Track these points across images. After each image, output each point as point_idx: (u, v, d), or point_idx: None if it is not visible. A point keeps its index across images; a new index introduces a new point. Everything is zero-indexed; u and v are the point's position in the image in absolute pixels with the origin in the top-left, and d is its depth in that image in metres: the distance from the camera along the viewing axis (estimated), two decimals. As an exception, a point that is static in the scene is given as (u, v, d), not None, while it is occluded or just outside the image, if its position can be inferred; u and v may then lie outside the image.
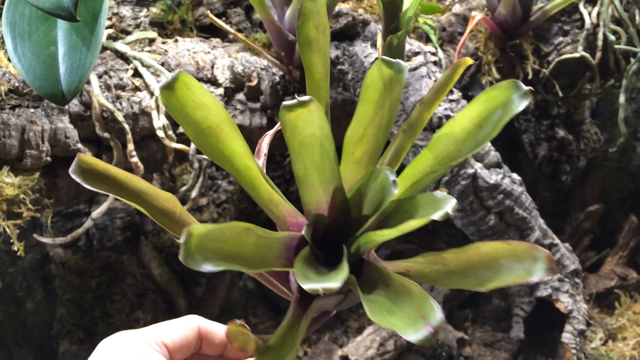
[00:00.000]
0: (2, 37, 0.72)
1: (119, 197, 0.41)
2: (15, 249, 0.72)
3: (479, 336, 1.05)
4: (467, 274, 0.40)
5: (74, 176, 0.41)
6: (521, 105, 0.40)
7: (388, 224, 0.40)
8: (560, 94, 0.98)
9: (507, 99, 0.41)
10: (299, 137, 0.40)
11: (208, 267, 0.35)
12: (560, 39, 0.96)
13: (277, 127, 0.48)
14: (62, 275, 1.04)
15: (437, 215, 0.35)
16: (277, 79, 0.86)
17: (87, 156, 0.41)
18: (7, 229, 0.70)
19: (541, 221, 0.89)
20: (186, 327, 0.48)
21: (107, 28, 0.83)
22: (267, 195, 0.44)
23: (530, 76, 0.95)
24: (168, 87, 0.41)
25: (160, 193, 0.43)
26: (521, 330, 0.96)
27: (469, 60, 0.46)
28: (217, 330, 0.49)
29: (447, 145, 0.42)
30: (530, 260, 0.38)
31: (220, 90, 0.83)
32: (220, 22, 0.82)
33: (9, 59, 0.70)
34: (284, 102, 0.39)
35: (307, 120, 0.40)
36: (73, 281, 1.02)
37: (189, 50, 0.83)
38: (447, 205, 0.35)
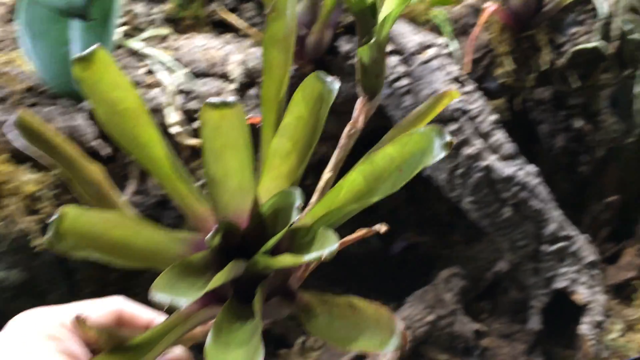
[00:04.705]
0: (19, 37, 0.74)
1: (51, 159, 0.40)
2: (34, 244, 0.74)
3: (496, 328, 1.05)
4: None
5: (12, 129, 0.39)
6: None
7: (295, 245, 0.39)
8: (576, 85, 0.97)
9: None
10: (222, 138, 0.39)
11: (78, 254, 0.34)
12: (575, 29, 0.94)
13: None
14: (83, 269, 1.06)
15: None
16: (292, 71, 0.87)
17: (28, 112, 0.40)
18: (28, 225, 0.72)
19: (558, 213, 0.89)
20: (106, 308, 0.45)
21: (121, 25, 0.84)
22: (185, 191, 0.42)
23: (545, 67, 0.94)
24: (83, 59, 0.39)
25: (91, 163, 0.42)
26: (538, 322, 0.95)
27: (456, 94, 0.46)
28: (142, 314, 0.47)
29: None
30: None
31: (233, 86, 0.83)
32: (232, 18, 0.83)
33: (25, 58, 0.72)
34: (209, 100, 0.39)
35: (232, 123, 0.39)
36: (94, 274, 1.04)
37: (201, 46, 0.84)
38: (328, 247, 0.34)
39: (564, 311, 0.95)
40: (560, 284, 0.91)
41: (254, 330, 0.35)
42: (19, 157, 0.72)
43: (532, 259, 0.91)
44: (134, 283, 1.08)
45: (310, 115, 0.42)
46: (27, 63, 0.72)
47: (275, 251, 0.39)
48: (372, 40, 0.43)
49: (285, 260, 0.36)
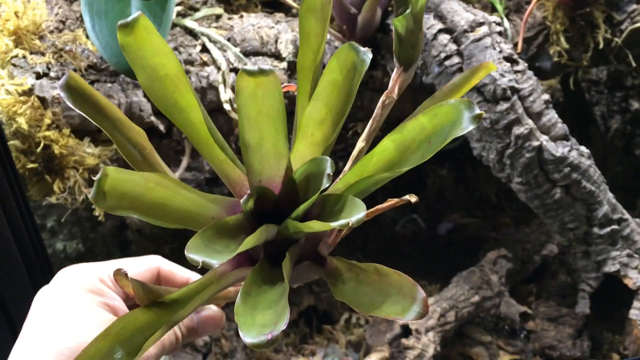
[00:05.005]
0: (81, 16, 0.77)
1: (95, 122, 0.41)
2: (96, 214, 0.78)
3: (542, 311, 1.04)
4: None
5: (61, 92, 0.40)
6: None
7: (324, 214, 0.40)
8: (634, 64, 0.94)
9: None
10: (257, 105, 0.39)
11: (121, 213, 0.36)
12: (634, 6, 0.91)
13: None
14: (138, 241, 1.11)
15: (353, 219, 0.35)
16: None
17: (77, 75, 0.41)
18: (89, 196, 0.76)
19: (610, 195, 0.87)
20: (144, 266, 0.47)
21: (176, 5, 0.86)
22: (222, 155, 0.42)
23: (601, 45, 0.92)
24: (127, 26, 0.40)
25: (134, 126, 0.43)
26: (587, 306, 0.94)
27: (493, 67, 0.45)
28: (179, 273, 0.48)
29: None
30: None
31: (284, 65, 0.85)
32: (284, -3, 0.84)
33: (87, 36, 0.75)
34: (245, 67, 0.39)
35: (267, 90, 0.39)
36: (148, 247, 1.09)
37: (253, 25, 0.85)
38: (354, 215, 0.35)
39: (613, 296, 0.94)
40: (611, 267, 0.89)
41: (282, 292, 0.36)
42: (79, 132, 0.76)
43: (583, 242, 0.89)
44: (185, 256, 1.12)
45: (344, 83, 0.42)
46: (90, 41, 0.75)
47: (306, 217, 0.40)
48: (408, 11, 0.43)
49: (314, 225, 0.37)
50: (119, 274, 0.40)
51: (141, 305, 0.39)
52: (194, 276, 0.49)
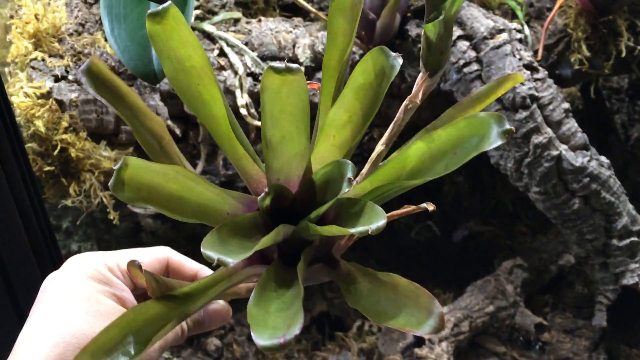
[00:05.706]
0: (100, 19, 0.77)
1: (115, 109, 0.41)
2: (111, 217, 0.78)
3: (558, 322, 1.03)
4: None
5: (83, 77, 0.40)
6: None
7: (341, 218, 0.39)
8: (657, 73, 0.92)
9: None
10: (281, 103, 0.39)
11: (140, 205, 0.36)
12: (659, 14, 0.90)
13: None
14: (152, 243, 1.10)
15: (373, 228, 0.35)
16: (357, 57, 0.87)
17: (99, 60, 0.41)
18: (104, 199, 0.76)
19: (630, 206, 0.86)
20: (153, 257, 0.46)
21: (195, 9, 0.86)
22: (242, 151, 0.42)
23: (623, 53, 0.90)
24: (157, 15, 0.40)
25: (154, 115, 0.43)
26: (604, 319, 0.93)
27: (521, 78, 0.44)
28: (188, 264, 0.48)
29: None
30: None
31: (301, 69, 0.84)
32: (302, 1, 0.83)
33: (106, 40, 0.75)
34: (272, 64, 0.38)
35: (292, 89, 0.38)
36: (161, 250, 1.09)
37: (271, 29, 0.85)
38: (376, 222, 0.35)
39: (631, 308, 0.92)
40: (629, 280, 0.88)
41: (296, 295, 0.35)
42: (96, 136, 0.76)
43: (601, 253, 0.88)
44: (198, 260, 1.12)
45: (371, 87, 0.42)
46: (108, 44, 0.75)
47: (322, 219, 0.40)
48: (441, 17, 0.43)
49: (333, 230, 0.37)
50: (133, 265, 0.39)
51: (153, 297, 0.39)
52: (202, 269, 0.49)
